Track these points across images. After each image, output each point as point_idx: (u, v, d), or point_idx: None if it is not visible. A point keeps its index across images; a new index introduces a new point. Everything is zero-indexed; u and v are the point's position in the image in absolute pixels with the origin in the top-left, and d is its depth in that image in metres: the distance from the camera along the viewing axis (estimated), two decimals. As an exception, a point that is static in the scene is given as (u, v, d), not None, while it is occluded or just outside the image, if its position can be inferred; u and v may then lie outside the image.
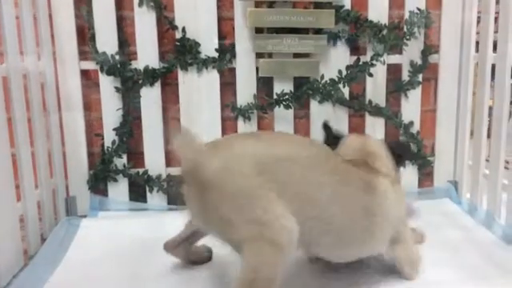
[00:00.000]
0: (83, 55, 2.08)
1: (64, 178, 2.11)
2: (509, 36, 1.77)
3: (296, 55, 2.14)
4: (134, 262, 1.61)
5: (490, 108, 1.94)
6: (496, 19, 1.90)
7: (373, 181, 1.37)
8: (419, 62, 2.18)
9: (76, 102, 2.08)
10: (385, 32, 2.13)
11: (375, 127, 2.21)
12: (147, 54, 2.08)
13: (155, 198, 2.18)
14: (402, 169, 1.62)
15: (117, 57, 2.06)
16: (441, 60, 2.21)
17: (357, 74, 2.16)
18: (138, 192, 2.18)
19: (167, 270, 1.52)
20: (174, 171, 2.18)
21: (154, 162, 2.16)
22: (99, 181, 2.14)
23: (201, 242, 1.56)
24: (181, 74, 2.10)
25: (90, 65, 2.08)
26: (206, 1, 2.06)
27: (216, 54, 2.10)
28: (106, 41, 2.05)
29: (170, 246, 1.51)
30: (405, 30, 2.14)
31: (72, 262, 1.64)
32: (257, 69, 2.13)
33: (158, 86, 2.11)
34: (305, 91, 2.16)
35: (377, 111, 2.20)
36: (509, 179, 1.75)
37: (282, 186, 1.20)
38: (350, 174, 1.34)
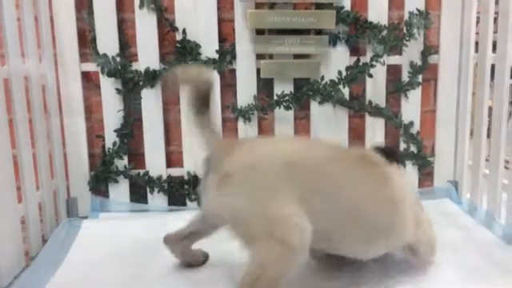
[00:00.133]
0: (84, 57, 2.09)
1: (65, 180, 2.11)
2: (508, 36, 1.77)
3: (296, 56, 2.15)
4: (135, 263, 1.62)
5: (490, 108, 1.95)
6: (495, 19, 1.90)
7: (385, 171, 1.39)
8: (419, 62, 2.18)
9: (77, 104, 2.09)
10: (384, 33, 2.13)
11: (375, 128, 2.22)
12: (148, 56, 2.09)
13: (156, 199, 2.18)
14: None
15: (117, 59, 2.07)
16: (440, 60, 2.21)
17: (357, 74, 2.16)
18: (138, 193, 2.19)
19: (168, 271, 1.52)
20: (175, 172, 2.18)
21: (155, 163, 2.16)
22: (100, 182, 2.15)
23: (200, 245, 1.55)
24: (181, 76, 2.11)
25: (90, 67, 2.09)
26: (207, 2, 2.07)
27: (216, 56, 2.11)
28: (107, 43, 2.06)
29: (171, 240, 1.51)
30: (404, 30, 2.14)
31: (73, 263, 1.65)
32: (257, 70, 2.13)
33: (158, 87, 2.11)
34: (305, 92, 2.16)
35: (377, 112, 2.21)
36: (509, 179, 1.75)
37: (302, 187, 1.22)
38: (368, 170, 1.37)
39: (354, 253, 1.42)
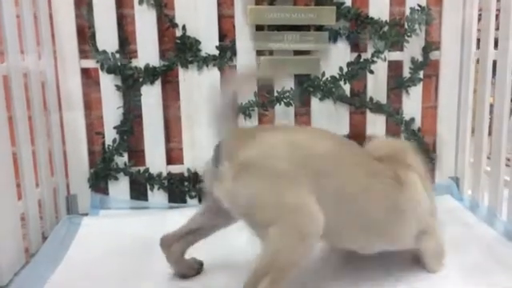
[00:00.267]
0: (84, 54, 2.08)
1: (65, 177, 2.11)
2: (510, 33, 1.76)
3: (297, 52, 2.14)
4: (135, 261, 1.61)
5: (491, 105, 1.94)
6: (497, 16, 1.89)
7: (402, 175, 1.41)
8: (420, 58, 2.17)
9: (76, 101, 2.08)
10: (386, 29, 2.12)
11: (376, 124, 2.21)
12: (147, 52, 2.08)
13: (156, 196, 2.18)
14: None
15: (117, 55, 2.06)
16: (442, 57, 2.20)
17: (358, 71, 2.15)
18: (138, 190, 2.18)
19: (168, 268, 1.52)
20: (175, 169, 2.18)
21: (155, 159, 2.16)
22: (100, 179, 2.14)
23: (196, 248, 1.52)
24: (181, 72, 2.10)
25: (90, 63, 2.08)
26: (207, -2, 2.06)
27: (216, 52, 2.10)
28: (107, 39, 2.05)
29: (168, 241, 1.46)
30: (406, 26, 2.13)
31: (73, 261, 1.65)
32: (258, 66, 2.12)
33: (158, 83, 2.11)
34: (306, 88, 2.15)
35: (378, 108, 2.20)
36: (510, 176, 1.75)
37: (315, 177, 1.25)
38: (379, 169, 1.39)
39: (355, 248, 1.44)
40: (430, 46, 2.17)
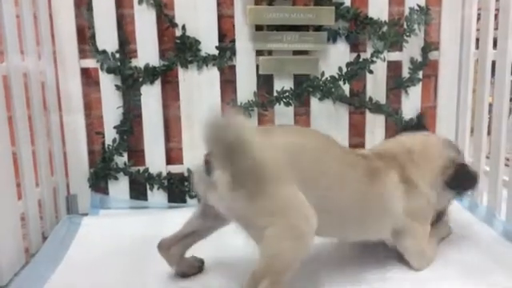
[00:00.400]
0: (83, 54, 2.08)
1: (65, 177, 2.11)
2: (509, 33, 1.76)
3: (296, 52, 2.14)
4: (135, 260, 1.61)
5: (490, 105, 1.94)
6: (496, 16, 1.90)
7: (380, 170, 1.46)
8: (419, 58, 2.18)
9: (76, 101, 2.09)
10: (385, 29, 2.13)
11: (375, 124, 2.22)
12: (147, 52, 2.08)
13: (156, 196, 2.18)
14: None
15: (117, 55, 2.06)
16: (441, 57, 2.20)
17: (357, 71, 2.16)
18: (138, 190, 2.18)
19: (168, 268, 1.52)
20: (175, 169, 2.18)
21: (155, 159, 2.16)
22: (100, 179, 2.14)
23: (195, 249, 1.52)
24: (181, 72, 2.11)
25: (90, 63, 2.08)
26: (206, -2, 2.06)
27: (216, 52, 2.10)
28: (106, 39, 2.05)
29: (166, 244, 1.46)
30: (405, 26, 2.14)
31: (73, 260, 1.65)
32: (257, 66, 2.13)
33: (158, 83, 2.11)
34: (305, 88, 2.16)
35: (377, 108, 2.20)
36: (509, 176, 1.75)
37: (303, 174, 1.28)
38: (356, 161, 1.44)
39: (332, 235, 1.53)
40: (429, 46, 2.18)
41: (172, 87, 2.15)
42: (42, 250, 1.73)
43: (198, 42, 2.09)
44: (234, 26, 2.10)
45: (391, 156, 1.53)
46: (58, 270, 1.57)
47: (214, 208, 1.31)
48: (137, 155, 2.17)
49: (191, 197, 2.18)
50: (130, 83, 2.10)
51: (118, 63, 2.06)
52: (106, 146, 2.12)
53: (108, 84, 2.09)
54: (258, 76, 2.14)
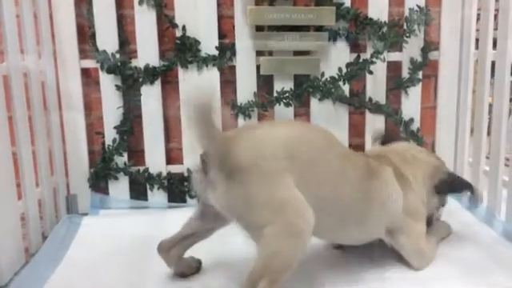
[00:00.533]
0: (84, 54, 2.09)
1: (65, 177, 2.11)
2: (508, 33, 1.77)
3: (296, 53, 2.14)
4: (135, 260, 1.61)
5: (490, 105, 1.94)
6: (496, 16, 1.90)
7: (378, 168, 1.46)
8: (419, 59, 2.18)
9: (76, 101, 2.09)
10: (385, 29, 2.13)
11: (375, 124, 2.21)
12: (147, 52, 2.08)
13: (156, 196, 2.18)
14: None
15: (117, 55, 2.06)
16: (441, 57, 2.21)
17: (357, 71, 2.16)
18: (138, 190, 2.18)
19: (168, 268, 1.52)
20: (175, 169, 2.18)
21: (155, 159, 2.16)
22: (100, 179, 2.14)
23: (195, 249, 1.52)
24: (181, 72, 2.11)
25: (90, 63, 2.08)
26: (206, -1, 2.07)
27: (216, 52, 2.10)
28: (107, 39, 2.06)
29: (165, 246, 1.46)
30: (405, 27, 2.14)
31: (73, 260, 1.65)
32: (257, 67, 2.13)
33: (158, 84, 2.11)
34: (305, 89, 2.16)
35: (377, 108, 2.21)
36: (509, 176, 1.75)
37: (301, 170, 1.26)
38: (357, 159, 1.43)
39: (333, 238, 1.52)
40: (429, 46, 2.18)
41: (172, 87, 2.15)
42: (41, 249, 1.73)
43: (198, 43, 2.09)
44: (234, 26, 2.10)
45: (384, 156, 1.56)
46: (57, 269, 1.57)
47: (213, 208, 1.31)
48: (137, 155, 2.17)
49: (191, 197, 2.18)
50: (130, 83, 2.10)
51: (118, 63, 2.07)
52: (106, 146, 2.13)
53: (108, 84, 2.09)
54: (258, 76, 2.14)
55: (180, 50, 2.09)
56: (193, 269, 1.52)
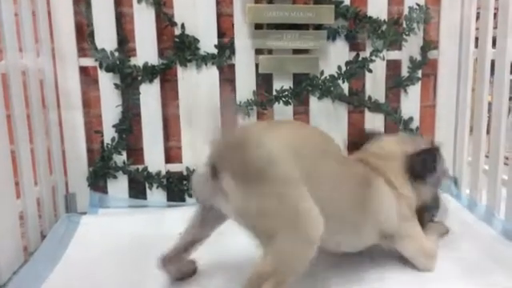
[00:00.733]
0: (82, 52, 2.08)
1: (63, 175, 2.11)
2: (508, 32, 1.77)
3: (295, 51, 2.14)
4: (134, 259, 1.61)
5: (490, 104, 1.94)
6: (495, 15, 1.90)
7: (370, 176, 1.46)
8: (418, 57, 2.18)
9: (75, 99, 2.08)
10: (384, 28, 2.13)
11: (375, 123, 2.21)
12: (146, 51, 2.08)
13: (155, 195, 2.18)
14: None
15: (116, 53, 2.06)
16: (440, 56, 2.20)
17: (356, 69, 2.16)
18: (137, 189, 2.18)
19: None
20: (174, 168, 2.18)
21: (154, 158, 2.16)
22: (99, 178, 2.14)
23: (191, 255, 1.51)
24: (180, 71, 2.10)
25: (89, 62, 2.08)
26: (205, -3, 2.06)
27: (215, 51, 2.10)
28: (105, 37, 2.05)
29: (170, 260, 1.42)
30: (404, 25, 2.14)
31: (72, 259, 1.64)
32: (256, 65, 2.12)
33: (157, 82, 2.11)
34: (304, 87, 2.15)
35: (376, 107, 2.20)
36: (508, 175, 1.75)
37: (309, 177, 1.24)
38: (353, 167, 1.44)
39: (331, 245, 1.45)
40: (429, 44, 2.18)
41: (171, 86, 2.15)
42: (40, 248, 1.73)
43: (197, 41, 2.08)
44: (233, 24, 2.09)
45: (367, 162, 1.53)
46: (56, 268, 1.57)
47: (214, 212, 1.29)
48: (136, 154, 2.17)
49: (190, 196, 2.18)
50: (129, 82, 2.09)
51: (117, 62, 2.06)
52: (105, 144, 2.12)
53: (107, 82, 2.08)
54: (258, 75, 2.14)
55: (179, 48, 2.09)
56: (191, 272, 1.50)
